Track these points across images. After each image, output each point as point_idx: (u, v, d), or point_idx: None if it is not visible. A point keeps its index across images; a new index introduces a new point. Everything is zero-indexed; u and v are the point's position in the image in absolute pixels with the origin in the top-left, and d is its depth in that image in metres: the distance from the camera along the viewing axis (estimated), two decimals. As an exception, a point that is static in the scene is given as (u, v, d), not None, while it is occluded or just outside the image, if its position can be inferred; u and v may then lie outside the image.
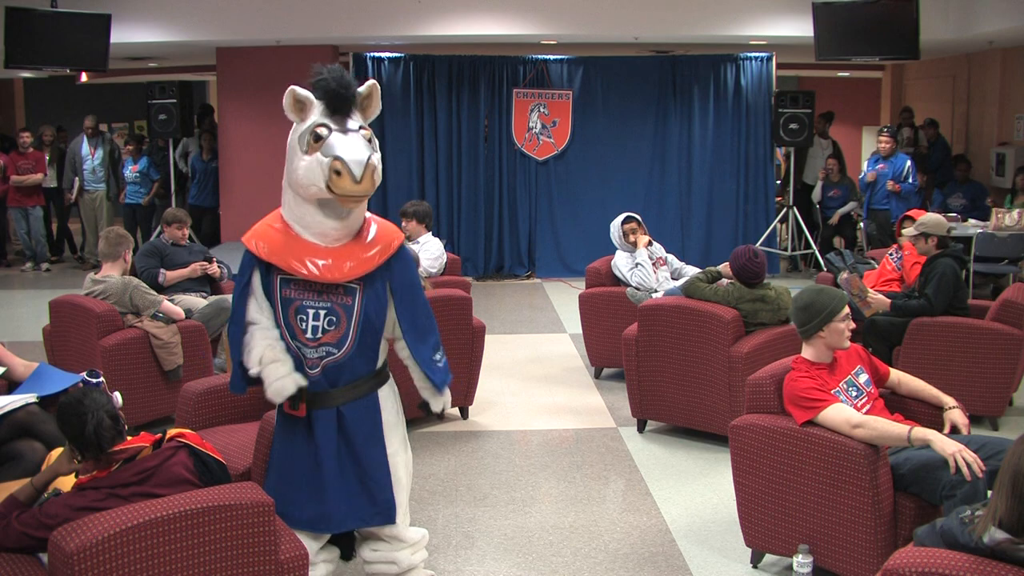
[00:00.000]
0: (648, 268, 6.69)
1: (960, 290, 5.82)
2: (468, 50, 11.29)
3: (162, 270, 6.51)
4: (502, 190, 11.35)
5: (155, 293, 5.78)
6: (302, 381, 3.23)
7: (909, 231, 6.11)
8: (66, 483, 3.27)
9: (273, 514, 3.00)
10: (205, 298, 6.54)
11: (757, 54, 11.18)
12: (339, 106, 3.12)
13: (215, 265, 6.81)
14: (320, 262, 3.18)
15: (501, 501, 4.76)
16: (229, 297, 6.57)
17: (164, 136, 11.14)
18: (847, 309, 3.86)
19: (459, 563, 4.10)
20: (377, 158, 3.14)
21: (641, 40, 10.87)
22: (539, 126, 11.25)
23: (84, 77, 15.12)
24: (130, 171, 11.76)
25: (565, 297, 9.91)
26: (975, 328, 5.64)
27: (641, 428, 5.77)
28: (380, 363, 3.36)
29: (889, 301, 5.85)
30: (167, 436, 3.12)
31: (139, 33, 10.15)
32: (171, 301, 6.19)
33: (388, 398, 3.39)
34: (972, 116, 11.89)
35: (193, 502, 2.83)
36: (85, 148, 11.71)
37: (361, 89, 3.20)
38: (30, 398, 4.17)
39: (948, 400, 3.88)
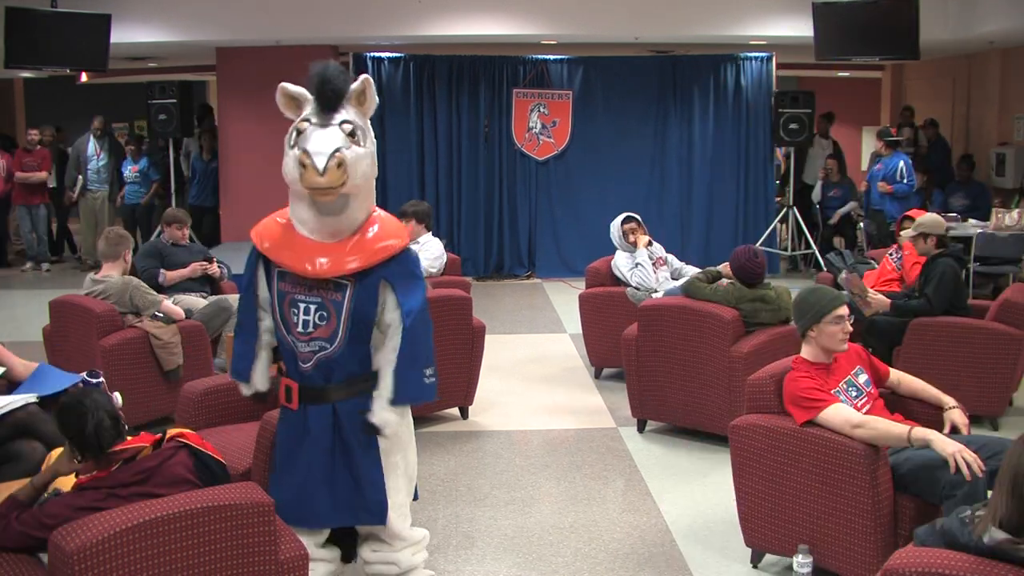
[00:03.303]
0: (648, 268, 6.69)
1: (960, 290, 5.82)
2: (468, 50, 11.29)
3: (162, 270, 6.51)
4: (502, 190, 11.34)
5: (155, 293, 5.77)
6: (260, 386, 3.48)
7: (908, 232, 6.11)
8: (66, 483, 3.27)
9: (273, 514, 3.00)
10: (205, 298, 6.53)
11: (757, 54, 11.18)
12: (324, 101, 3.13)
13: (215, 265, 6.80)
14: (317, 259, 3.20)
15: (501, 501, 4.76)
16: (229, 297, 6.58)
17: (164, 136, 11.13)
18: (842, 311, 3.82)
19: (459, 563, 4.10)
20: (356, 152, 3.13)
21: (641, 40, 10.87)
22: (539, 126, 11.25)
23: (84, 77, 15.12)
24: (130, 171, 11.75)
25: (565, 297, 9.91)
26: (975, 328, 5.64)
27: (641, 428, 5.78)
28: (377, 365, 3.36)
29: (889, 301, 5.85)
30: (167, 436, 3.11)
31: (139, 33, 10.15)
32: (172, 302, 6.20)
33: None
34: (972, 116, 11.89)
35: (193, 502, 2.83)
36: (91, 148, 11.62)
37: (354, 85, 3.19)
38: (30, 398, 4.17)
39: (948, 400, 3.87)
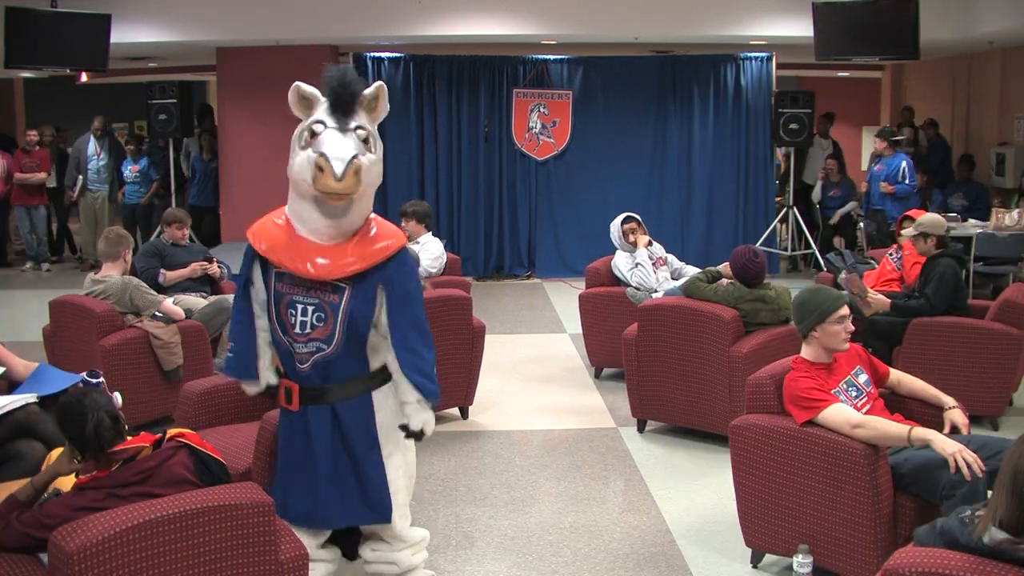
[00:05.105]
0: (648, 268, 6.69)
1: (960, 290, 5.82)
2: (468, 50, 11.29)
3: (162, 270, 6.52)
4: (502, 190, 11.34)
5: (155, 293, 5.78)
6: (271, 379, 3.41)
7: (908, 231, 6.13)
8: (66, 483, 3.27)
9: (273, 514, 3.00)
10: (205, 298, 6.53)
11: (757, 54, 11.18)
12: (340, 105, 3.13)
13: (215, 265, 6.81)
14: (317, 260, 3.18)
15: (501, 501, 4.76)
16: (229, 297, 6.58)
17: (164, 136, 11.13)
18: (844, 311, 3.84)
19: (459, 563, 4.10)
20: (370, 159, 3.17)
21: (641, 40, 10.87)
22: (539, 126, 11.25)
23: (84, 77, 15.12)
24: (130, 171, 11.75)
25: (565, 297, 9.91)
26: (975, 328, 5.64)
27: (641, 428, 5.78)
28: (376, 365, 3.35)
29: (889, 301, 5.86)
30: (167, 436, 3.12)
31: (139, 33, 10.15)
32: (172, 302, 6.20)
33: (385, 400, 3.37)
34: (972, 116, 11.88)
35: (193, 502, 2.83)
36: (92, 147, 11.64)
37: (367, 91, 3.20)
38: (30, 398, 4.17)
39: (948, 400, 3.88)
